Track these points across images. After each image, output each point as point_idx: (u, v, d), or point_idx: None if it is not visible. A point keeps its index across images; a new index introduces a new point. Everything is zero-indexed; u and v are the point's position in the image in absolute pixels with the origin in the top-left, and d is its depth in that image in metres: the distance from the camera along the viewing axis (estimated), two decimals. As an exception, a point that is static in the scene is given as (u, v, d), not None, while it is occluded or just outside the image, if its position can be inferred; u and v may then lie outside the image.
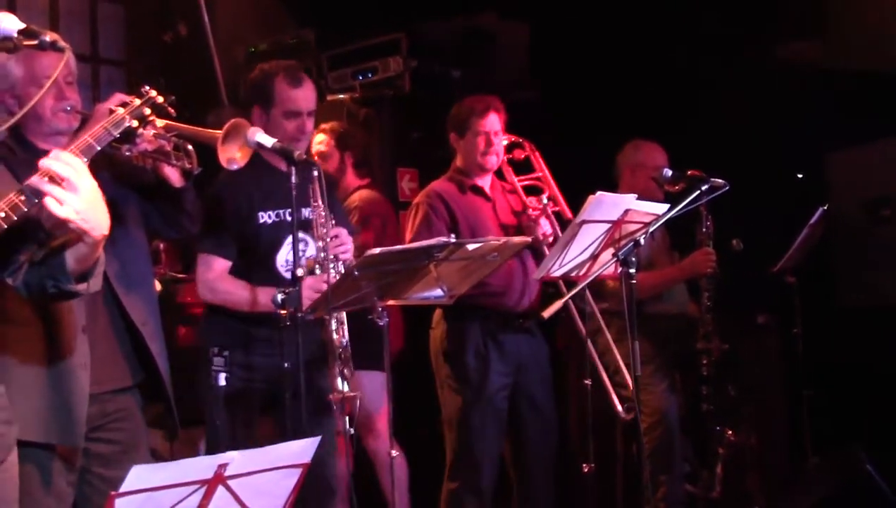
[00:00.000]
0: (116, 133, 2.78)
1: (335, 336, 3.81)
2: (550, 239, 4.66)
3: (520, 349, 4.74)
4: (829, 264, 5.54)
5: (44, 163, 2.44)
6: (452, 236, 3.86)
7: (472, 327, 4.66)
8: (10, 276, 2.66)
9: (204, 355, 3.89)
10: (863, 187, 5.53)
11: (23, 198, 2.43)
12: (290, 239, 3.88)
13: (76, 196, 2.44)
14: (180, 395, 3.50)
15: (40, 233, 2.67)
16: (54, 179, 2.43)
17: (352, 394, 3.74)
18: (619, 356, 4.70)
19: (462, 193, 4.78)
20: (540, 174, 4.93)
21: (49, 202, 2.42)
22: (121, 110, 2.85)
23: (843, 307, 5.50)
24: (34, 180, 2.43)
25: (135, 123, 2.87)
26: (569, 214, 4.77)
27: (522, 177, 4.95)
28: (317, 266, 3.84)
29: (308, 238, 3.92)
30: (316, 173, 3.72)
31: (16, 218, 2.43)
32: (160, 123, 3.10)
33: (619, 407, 4.53)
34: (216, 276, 3.94)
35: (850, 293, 5.50)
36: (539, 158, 4.97)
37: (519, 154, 4.98)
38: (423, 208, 4.70)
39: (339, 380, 3.76)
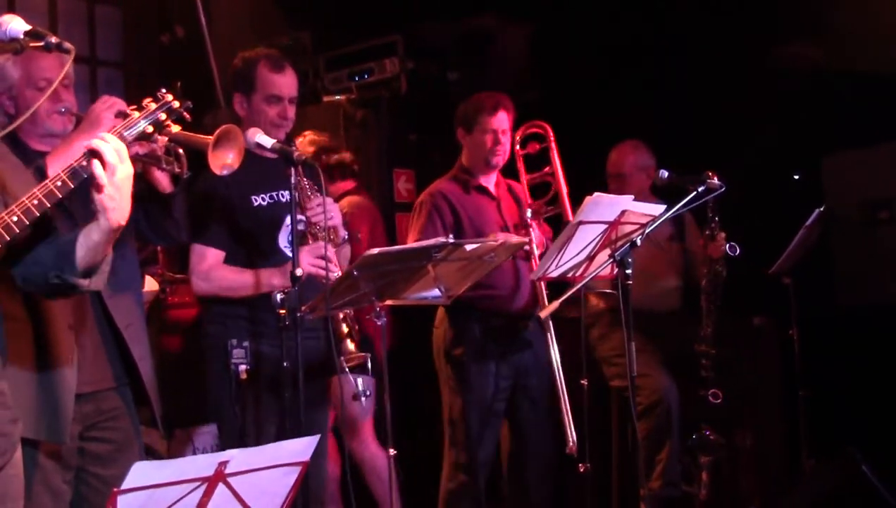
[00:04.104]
0: (131, 138, 2.73)
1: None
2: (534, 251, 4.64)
3: (522, 351, 4.72)
4: (826, 266, 5.54)
5: (107, 135, 2.55)
6: (451, 236, 3.85)
7: (474, 328, 4.65)
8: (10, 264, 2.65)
9: (217, 349, 3.83)
10: (860, 189, 5.53)
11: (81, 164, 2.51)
12: (289, 218, 3.88)
13: (117, 175, 2.50)
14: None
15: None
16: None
17: (360, 354, 3.76)
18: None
19: (466, 193, 4.75)
20: (550, 171, 4.90)
21: (96, 166, 2.49)
22: (136, 114, 2.78)
23: (840, 309, 5.51)
24: (95, 142, 2.50)
25: (150, 129, 2.78)
26: (571, 216, 4.76)
27: (533, 174, 4.93)
28: (309, 237, 3.83)
29: (304, 217, 3.90)
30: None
31: (60, 197, 2.50)
32: (175, 129, 2.97)
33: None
34: (210, 265, 3.90)
35: (846, 295, 5.50)
36: (555, 150, 4.93)
37: (533, 148, 4.95)
38: (427, 208, 4.68)
39: (348, 342, 3.77)
